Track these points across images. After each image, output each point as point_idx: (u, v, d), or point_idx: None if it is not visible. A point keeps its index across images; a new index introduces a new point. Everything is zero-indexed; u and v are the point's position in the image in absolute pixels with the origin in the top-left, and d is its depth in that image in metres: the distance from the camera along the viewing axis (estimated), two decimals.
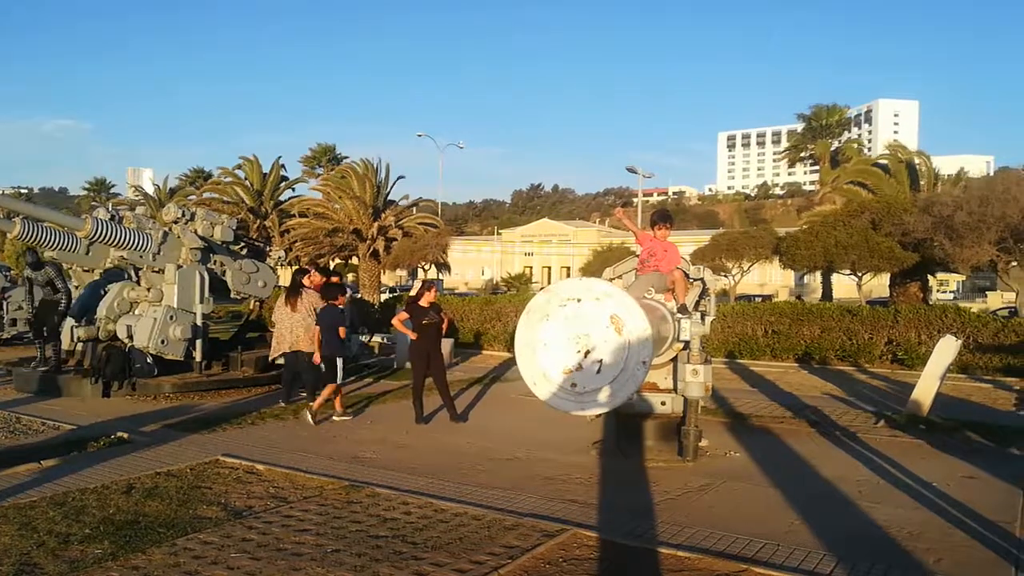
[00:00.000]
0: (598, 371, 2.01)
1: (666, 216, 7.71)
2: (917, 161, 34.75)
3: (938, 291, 50.45)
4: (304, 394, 10.53)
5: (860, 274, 31.08)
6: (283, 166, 49.36)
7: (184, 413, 9.80)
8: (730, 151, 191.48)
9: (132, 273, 11.85)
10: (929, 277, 32.79)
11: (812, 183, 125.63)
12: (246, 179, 47.61)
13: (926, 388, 9.54)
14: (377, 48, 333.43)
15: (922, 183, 34.38)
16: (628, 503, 6.05)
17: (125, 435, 8.19)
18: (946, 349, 9.75)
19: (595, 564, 4.70)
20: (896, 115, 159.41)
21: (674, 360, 7.33)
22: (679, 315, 7.07)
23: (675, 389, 7.36)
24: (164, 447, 7.78)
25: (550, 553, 4.83)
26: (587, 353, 2.00)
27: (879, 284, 37.15)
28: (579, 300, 2.09)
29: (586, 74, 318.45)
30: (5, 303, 17.96)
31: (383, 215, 40.72)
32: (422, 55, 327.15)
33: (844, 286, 40.55)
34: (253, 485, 6.37)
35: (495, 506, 5.83)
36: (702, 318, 7.49)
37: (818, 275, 40.06)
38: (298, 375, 10.62)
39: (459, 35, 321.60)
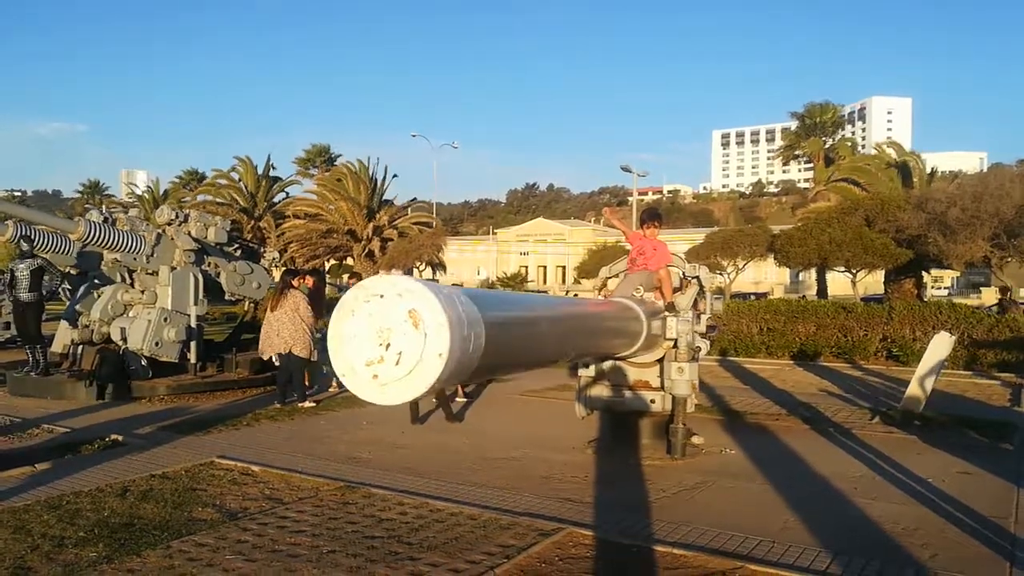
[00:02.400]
0: (397, 363, 2.09)
1: (655, 215, 7.73)
2: (910, 161, 34.85)
3: (932, 287, 50.59)
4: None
5: (855, 271, 31.14)
6: (273, 166, 49.30)
7: (179, 415, 9.77)
8: (724, 149, 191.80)
9: (126, 275, 11.81)
10: (923, 274, 32.91)
11: (806, 181, 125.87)
12: (240, 180, 47.55)
13: (921, 384, 9.57)
14: (371, 49, 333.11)
15: (915, 180, 34.51)
16: (623, 501, 6.05)
17: (119, 437, 8.16)
18: (940, 345, 9.78)
19: (591, 563, 4.71)
20: (889, 112, 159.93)
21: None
22: (666, 313, 7.07)
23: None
24: (159, 449, 7.76)
25: (546, 552, 4.83)
26: (388, 346, 2.09)
27: (874, 281, 37.23)
28: (382, 296, 2.17)
29: (580, 73, 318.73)
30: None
31: (377, 216, 40.74)
32: (416, 56, 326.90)
33: (839, 283, 40.64)
34: (248, 487, 6.36)
35: (491, 505, 5.83)
36: (699, 317, 7.50)
37: (813, 272, 40.16)
38: (291, 377, 10.66)
39: (453, 36, 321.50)
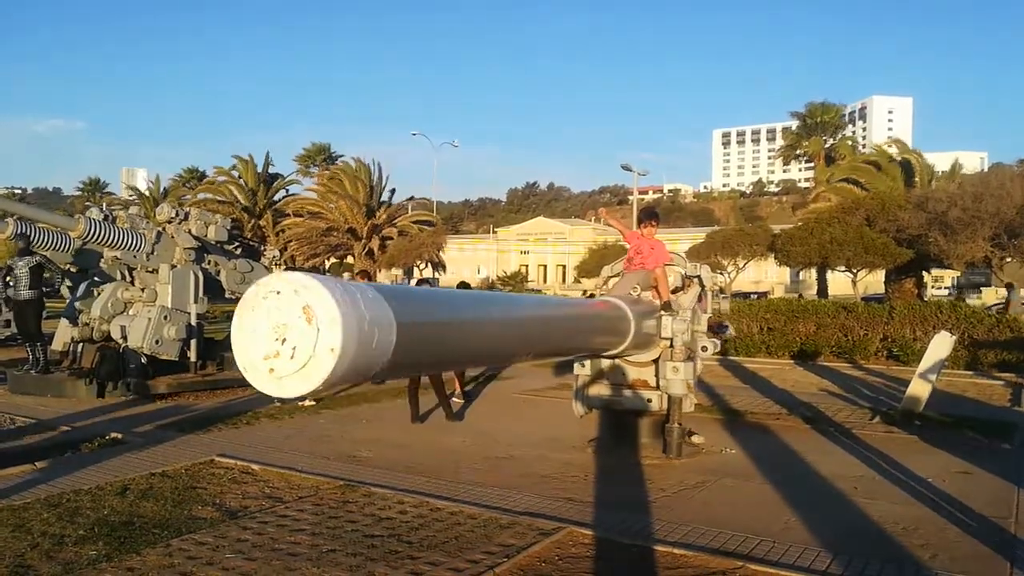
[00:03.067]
0: (291, 357, 2.16)
1: (652, 214, 7.73)
2: (912, 159, 34.82)
3: (933, 287, 50.57)
4: None
5: (855, 271, 31.13)
6: (272, 163, 49.32)
7: (179, 413, 9.77)
8: (725, 148, 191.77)
9: (126, 273, 11.80)
10: (924, 273, 32.91)
11: (807, 180, 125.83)
12: (241, 179, 47.56)
13: (921, 384, 9.56)
14: (372, 47, 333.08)
15: (916, 179, 34.49)
16: (624, 500, 6.05)
17: (119, 436, 8.16)
18: (941, 345, 9.77)
19: (591, 562, 4.70)
20: (890, 112, 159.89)
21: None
22: (662, 312, 7.06)
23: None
24: (159, 448, 7.76)
25: (546, 551, 4.83)
26: (283, 341, 2.17)
27: (874, 280, 37.23)
28: (279, 292, 2.25)
29: (581, 72, 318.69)
30: (0, 304, 17.89)
31: (378, 214, 40.74)
32: (417, 54, 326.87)
33: (839, 282, 40.65)
34: (248, 485, 6.36)
35: (491, 505, 5.82)
36: (700, 316, 7.49)
37: (813, 272, 40.16)
38: None
39: (454, 34, 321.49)
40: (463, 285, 12.84)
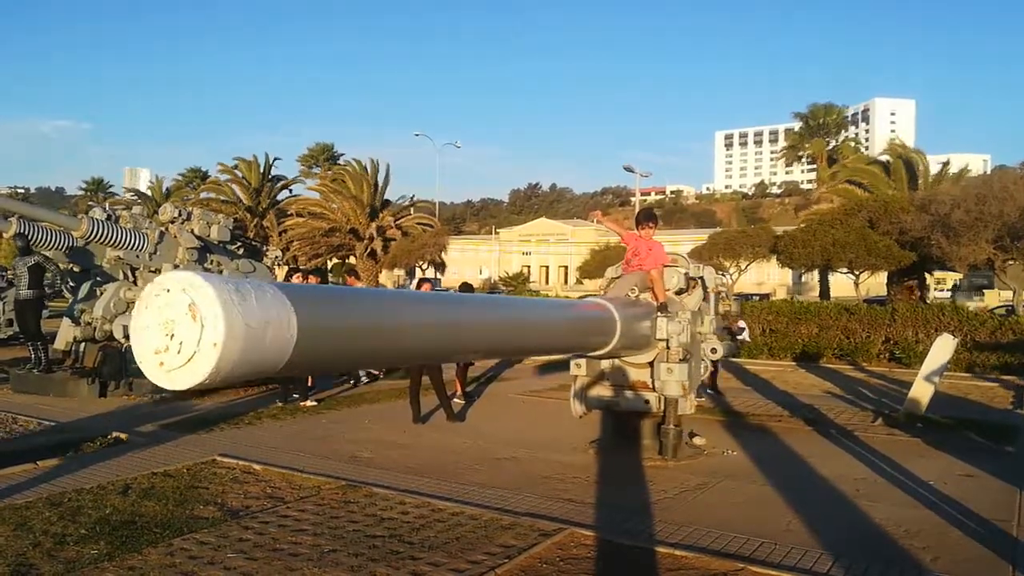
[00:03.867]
0: (178, 352, 2.26)
1: (651, 215, 7.71)
2: (917, 161, 34.77)
3: (935, 289, 50.51)
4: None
5: (857, 273, 31.10)
6: (276, 161, 49.40)
7: (181, 413, 9.77)
8: (727, 150, 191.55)
9: (129, 273, 11.82)
10: (927, 275, 32.87)
11: (810, 182, 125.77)
12: (244, 179, 47.65)
13: (924, 386, 9.55)
14: (374, 47, 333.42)
15: (919, 181, 34.45)
16: (625, 502, 6.05)
17: (122, 435, 8.17)
18: (943, 347, 9.76)
19: (592, 563, 4.70)
20: (893, 114, 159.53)
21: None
22: (658, 314, 7.06)
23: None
24: (160, 447, 7.76)
25: (547, 552, 4.83)
26: (172, 336, 2.27)
27: (876, 282, 37.19)
28: (169, 290, 2.35)
29: (583, 73, 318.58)
30: (2, 303, 17.92)
31: (380, 215, 40.78)
32: (419, 54, 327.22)
33: (842, 285, 40.59)
34: (250, 485, 6.36)
35: (492, 505, 5.82)
36: (703, 318, 7.48)
37: (815, 274, 40.12)
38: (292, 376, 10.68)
39: (456, 35, 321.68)
40: (466, 287, 12.89)
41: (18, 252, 11.75)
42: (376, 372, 12.71)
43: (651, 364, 7.22)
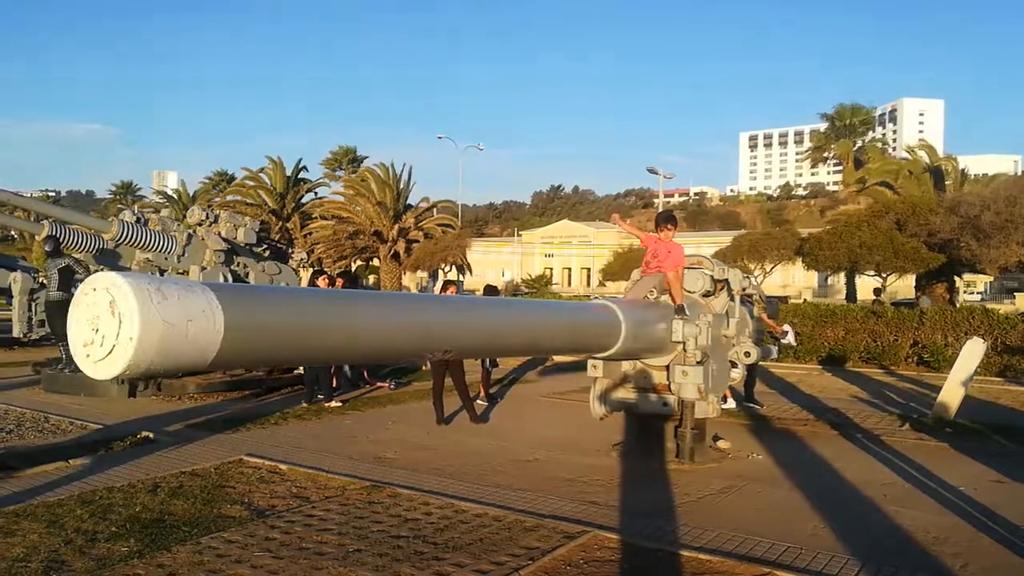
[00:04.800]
0: (101, 345, 2.57)
1: (670, 217, 7.65)
2: (944, 163, 34.26)
3: (965, 292, 49.71)
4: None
5: (885, 275, 30.69)
6: (304, 167, 49.85)
7: (208, 413, 9.90)
8: (752, 151, 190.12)
9: (157, 275, 12.00)
10: (956, 278, 32.37)
11: (835, 183, 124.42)
12: (269, 182, 48.14)
13: (953, 391, 9.41)
14: (397, 50, 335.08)
15: (948, 183, 33.95)
16: (649, 505, 6.03)
17: (151, 435, 8.29)
18: (973, 351, 9.61)
19: (616, 566, 4.69)
20: (921, 114, 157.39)
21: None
22: (675, 316, 7.02)
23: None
24: (188, 447, 7.87)
25: (571, 555, 4.83)
26: (97, 330, 2.59)
27: (904, 285, 36.67)
28: (95, 290, 2.65)
29: (607, 74, 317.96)
30: (33, 304, 18.27)
31: (404, 217, 40.98)
32: (443, 56, 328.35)
33: (868, 287, 40.12)
34: (276, 485, 6.43)
35: (515, 507, 5.84)
36: (729, 321, 7.42)
37: (842, 276, 39.66)
38: (317, 376, 10.77)
39: (480, 36, 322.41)
40: (491, 290, 12.99)
41: (47, 254, 11.99)
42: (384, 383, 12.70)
43: (667, 367, 7.19)
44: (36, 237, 12.25)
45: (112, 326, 2.63)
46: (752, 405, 10.49)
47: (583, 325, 6.00)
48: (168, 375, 4.14)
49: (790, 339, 11.18)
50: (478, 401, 10.78)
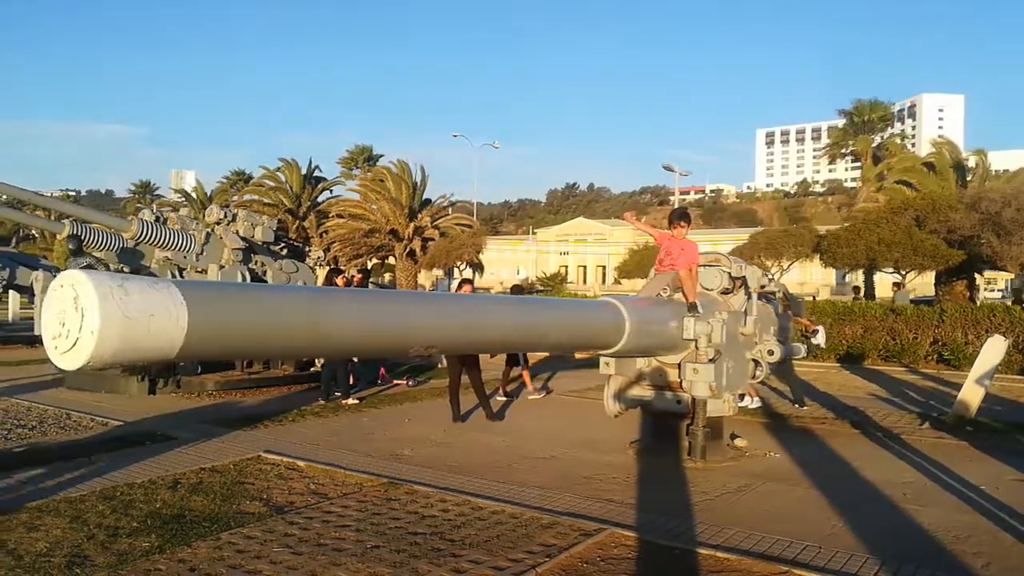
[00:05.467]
0: (67, 337, 2.78)
1: (683, 214, 7.61)
2: (967, 157, 33.79)
3: (985, 290, 49.12)
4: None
5: (904, 272, 30.38)
6: (318, 167, 50.10)
7: (227, 410, 9.99)
8: (768, 148, 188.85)
9: (176, 273, 12.10)
10: (976, 275, 32.00)
11: (853, 180, 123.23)
12: (286, 181, 48.40)
13: (973, 389, 9.31)
14: (412, 50, 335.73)
15: (970, 179, 33.54)
16: (666, 503, 6.02)
17: (170, 431, 8.38)
18: (994, 349, 9.51)
19: (633, 564, 4.69)
20: (941, 110, 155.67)
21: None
22: (687, 314, 6.99)
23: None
24: (208, 443, 7.94)
25: (588, 552, 4.83)
26: (63, 324, 2.80)
27: (923, 283, 36.29)
28: (62, 286, 2.85)
29: (621, 71, 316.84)
30: None
31: (419, 216, 41.06)
32: (457, 55, 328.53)
33: (887, 285, 39.70)
34: (294, 481, 6.48)
35: (532, 504, 5.85)
36: (746, 319, 7.38)
37: (860, 274, 39.30)
38: (335, 374, 10.85)
39: (493, 34, 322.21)
40: (517, 289, 13.17)
41: (70, 253, 12.11)
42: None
43: (679, 364, 7.17)
44: (57, 236, 12.39)
45: (76, 320, 2.79)
46: (798, 405, 10.36)
47: (581, 322, 5.99)
48: (134, 365, 4.37)
49: (820, 338, 11.05)
50: (497, 396, 10.98)
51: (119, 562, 4.53)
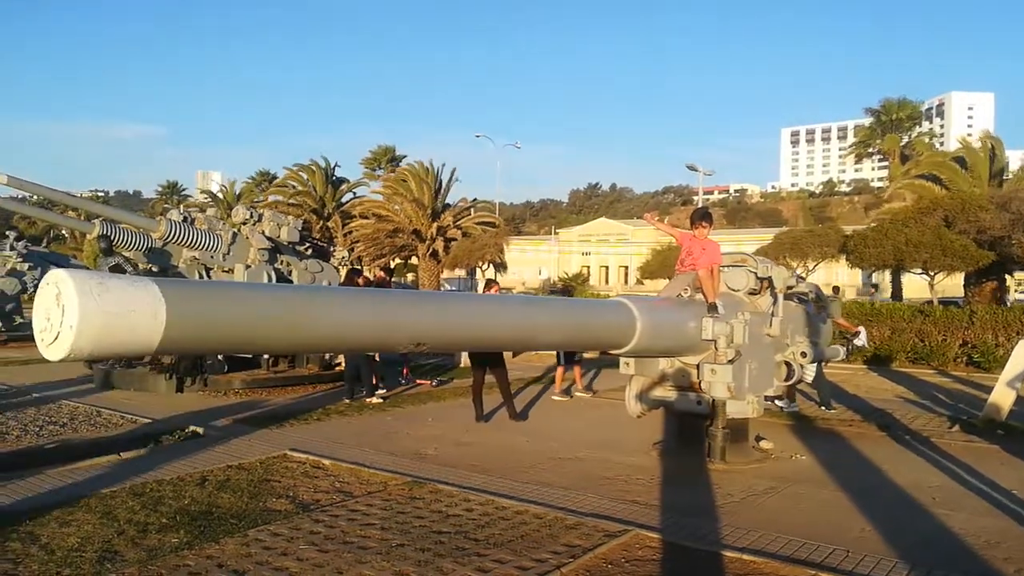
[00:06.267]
0: (50, 331, 3.01)
1: (705, 214, 7.56)
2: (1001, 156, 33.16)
3: (1017, 291, 48.25)
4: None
5: (932, 273, 29.92)
6: (338, 165, 50.49)
7: (253, 408, 10.10)
8: (794, 147, 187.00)
9: (203, 273, 12.25)
10: (1007, 276, 31.45)
11: (880, 180, 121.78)
12: (309, 182, 48.80)
13: (1004, 392, 9.15)
14: (434, 51, 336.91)
15: (1007, 177, 32.94)
16: (690, 505, 5.99)
17: (198, 429, 8.48)
18: None
19: (658, 565, 4.67)
20: (970, 108, 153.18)
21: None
22: (706, 314, 6.94)
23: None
24: (235, 441, 8.03)
25: (612, 553, 4.82)
26: (48, 319, 3.01)
27: (951, 283, 35.71)
28: (48, 284, 3.06)
29: (644, 70, 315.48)
30: None
31: (442, 216, 41.18)
32: (479, 55, 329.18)
33: (915, 285, 39.08)
34: (319, 479, 6.53)
35: (556, 505, 5.84)
36: (772, 320, 7.32)
37: (886, 274, 38.80)
38: (359, 373, 10.93)
39: (515, 33, 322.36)
40: (564, 291, 13.30)
41: (100, 253, 12.32)
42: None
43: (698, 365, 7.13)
44: (88, 236, 12.61)
45: (57, 315, 2.99)
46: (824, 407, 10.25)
47: (586, 322, 5.98)
48: (117, 358, 4.61)
49: (862, 339, 10.86)
50: (577, 393, 11.43)
51: (149, 558, 4.60)
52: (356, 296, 5.30)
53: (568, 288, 12.91)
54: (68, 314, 2.95)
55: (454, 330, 4.85)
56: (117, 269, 12.04)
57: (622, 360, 7.47)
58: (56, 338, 2.99)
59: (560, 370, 11.95)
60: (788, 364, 7.56)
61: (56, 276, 3.05)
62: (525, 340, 5.95)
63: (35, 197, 13.49)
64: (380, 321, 4.36)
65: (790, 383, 7.86)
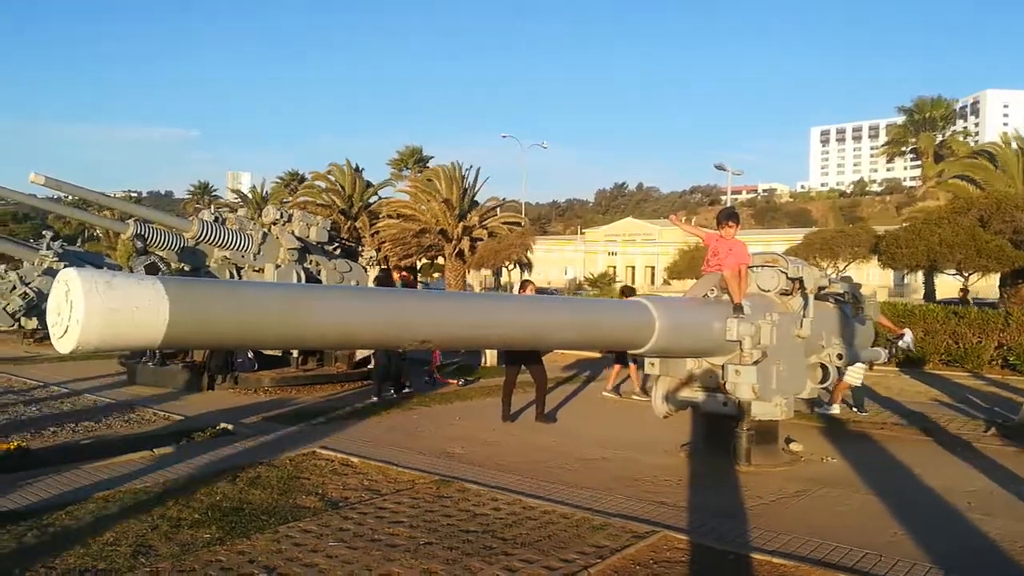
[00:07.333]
0: (61, 324, 3.26)
1: (731, 214, 7.49)
2: None
3: None
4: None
5: (967, 274, 29.37)
6: (367, 164, 50.78)
7: (282, 406, 10.21)
8: (823, 146, 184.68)
9: (234, 272, 12.41)
10: None
11: (912, 179, 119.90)
12: (337, 182, 49.24)
13: None
14: (461, 53, 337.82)
15: None
16: (719, 507, 5.94)
17: (229, 426, 8.60)
18: None
19: (685, 567, 4.64)
20: (1006, 106, 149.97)
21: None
22: (731, 315, 6.87)
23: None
24: (264, 438, 8.13)
25: (640, 554, 4.80)
26: (59, 314, 3.27)
27: (985, 284, 35.01)
28: (59, 282, 3.30)
29: (672, 68, 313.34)
30: None
31: (469, 216, 41.29)
32: (505, 54, 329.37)
33: (948, 286, 38.36)
34: (348, 477, 6.59)
35: (583, 505, 5.84)
36: (802, 321, 7.24)
37: (919, 275, 38.17)
38: (389, 371, 11.01)
39: (541, 34, 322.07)
40: (628, 290, 13.54)
41: (135, 252, 12.54)
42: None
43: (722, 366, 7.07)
44: (122, 236, 12.88)
45: (67, 311, 3.21)
46: (856, 409, 10.11)
47: (599, 321, 5.95)
48: (123, 351, 4.91)
49: (907, 341, 10.65)
50: (633, 396, 11.44)
51: (182, 552, 4.67)
52: (351, 294, 5.43)
53: (629, 288, 12.92)
54: (75, 310, 3.15)
55: (464, 328, 4.94)
56: (152, 268, 12.23)
57: (647, 360, 7.44)
58: (65, 332, 3.21)
59: (616, 368, 11.97)
60: (823, 366, 7.45)
61: (66, 275, 3.26)
62: (536, 338, 5.97)
63: (70, 197, 13.75)
64: (380, 320, 4.46)
65: (825, 385, 7.75)
